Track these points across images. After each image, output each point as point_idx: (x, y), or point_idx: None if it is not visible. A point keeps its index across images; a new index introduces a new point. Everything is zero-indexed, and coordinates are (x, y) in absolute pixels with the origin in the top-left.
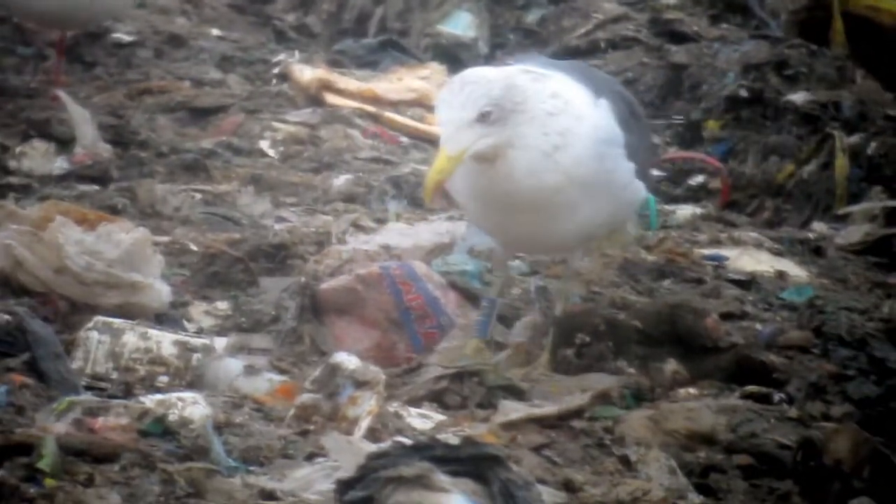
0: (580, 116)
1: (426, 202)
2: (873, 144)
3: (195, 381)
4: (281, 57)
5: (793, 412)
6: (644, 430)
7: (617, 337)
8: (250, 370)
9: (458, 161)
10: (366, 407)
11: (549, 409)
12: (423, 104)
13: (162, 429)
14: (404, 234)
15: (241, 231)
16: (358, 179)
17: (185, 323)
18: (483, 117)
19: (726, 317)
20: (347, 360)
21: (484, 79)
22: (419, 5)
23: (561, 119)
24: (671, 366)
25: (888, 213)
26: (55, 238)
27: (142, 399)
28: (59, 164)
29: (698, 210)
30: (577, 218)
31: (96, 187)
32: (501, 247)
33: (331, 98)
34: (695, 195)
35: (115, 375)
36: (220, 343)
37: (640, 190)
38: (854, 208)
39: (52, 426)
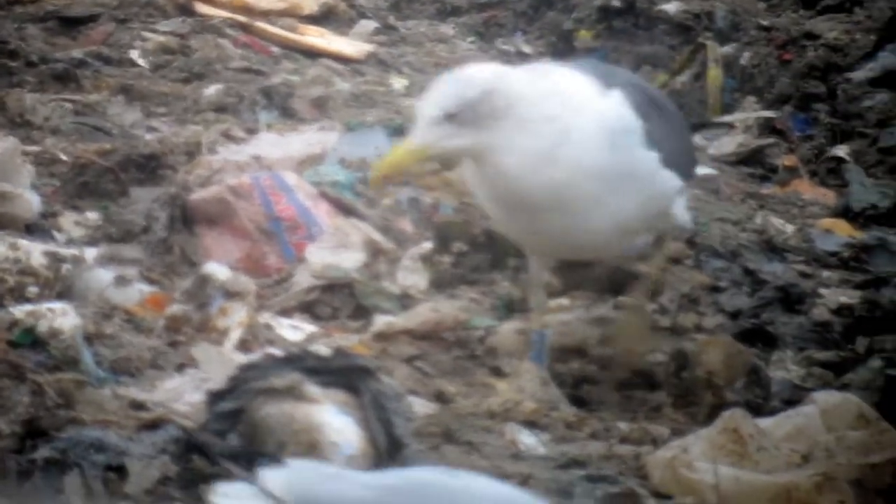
0: (580, 109)
1: (370, 189)
2: (746, 54)
3: (65, 292)
4: None
5: (665, 323)
6: (516, 342)
7: (493, 248)
8: (120, 281)
9: (418, 156)
10: (236, 318)
11: (420, 320)
12: (294, 14)
13: (32, 339)
14: (275, 145)
15: (112, 141)
16: (229, 90)
17: (55, 233)
18: (450, 118)
19: None
20: (218, 271)
21: (466, 78)
22: None
23: (559, 118)
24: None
25: (761, 123)
26: None
27: (11, 310)
28: None
29: None
30: (605, 213)
31: None
32: (538, 256)
33: (201, 7)
34: None
35: None
36: (90, 253)
37: (669, 179)
38: (727, 118)
39: None
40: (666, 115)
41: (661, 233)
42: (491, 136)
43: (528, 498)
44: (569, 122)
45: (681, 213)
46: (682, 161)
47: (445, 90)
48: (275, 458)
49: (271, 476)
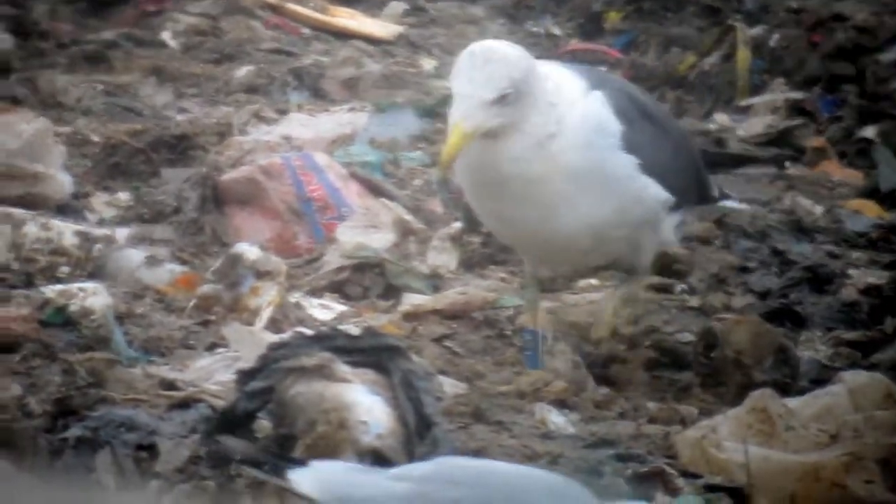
0: (572, 104)
1: (439, 175)
2: (775, 36)
3: (96, 272)
4: None
5: (694, 303)
6: (546, 322)
7: None
8: (151, 261)
9: (472, 138)
10: (267, 297)
11: (451, 300)
12: None
13: (63, 319)
14: (305, 125)
15: (143, 122)
16: (259, 71)
17: (87, 214)
18: (502, 99)
19: None
20: (248, 251)
21: (507, 58)
22: None
23: (558, 107)
24: None
25: (790, 104)
26: None
27: (43, 289)
28: None
29: None
30: (576, 213)
31: None
32: (527, 258)
33: None
34: None
35: (16, 266)
36: (122, 234)
37: (648, 187)
38: (755, 100)
39: None
40: (659, 129)
41: (641, 253)
42: (517, 115)
43: (553, 477)
44: (563, 115)
45: (668, 231)
46: (674, 176)
47: (495, 72)
48: (299, 460)
49: (301, 477)
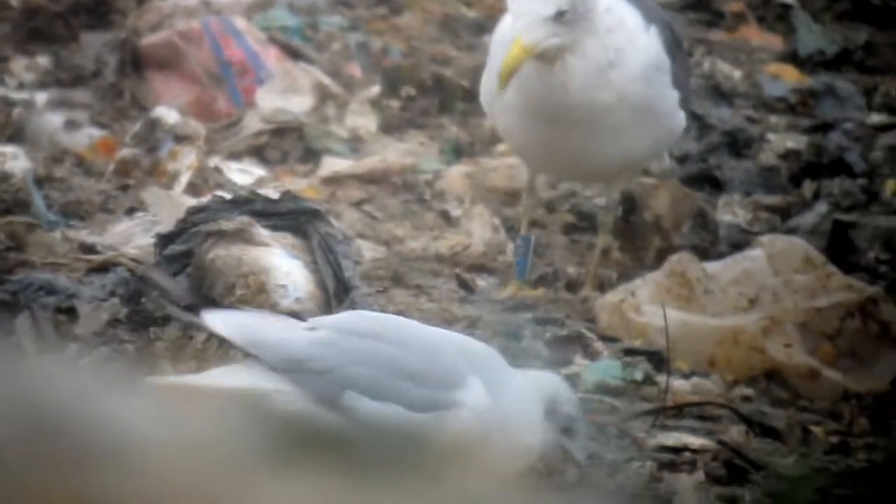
0: (633, 38)
1: (499, 90)
2: None
3: (16, 136)
4: None
5: None
6: (464, 186)
7: (441, 93)
8: (71, 125)
9: (530, 54)
10: (186, 162)
11: (370, 164)
12: None
13: None
14: None
15: None
16: None
17: (6, 78)
18: (560, 16)
19: None
20: (167, 115)
21: None
22: None
23: (617, 35)
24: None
25: None
26: None
27: None
28: None
29: None
30: (622, 143)
31: None
32: (533, 166)
33: None
34: None
35: None
36: (41, 98)
37: (681, 120)
38: None
39: None
40: (683, 57)
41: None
42: (573, 37)
43: (466, 339)
44: (623, 46)
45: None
46: (688, 102)
47: None
48: (217, 304)
49: (214, 317)
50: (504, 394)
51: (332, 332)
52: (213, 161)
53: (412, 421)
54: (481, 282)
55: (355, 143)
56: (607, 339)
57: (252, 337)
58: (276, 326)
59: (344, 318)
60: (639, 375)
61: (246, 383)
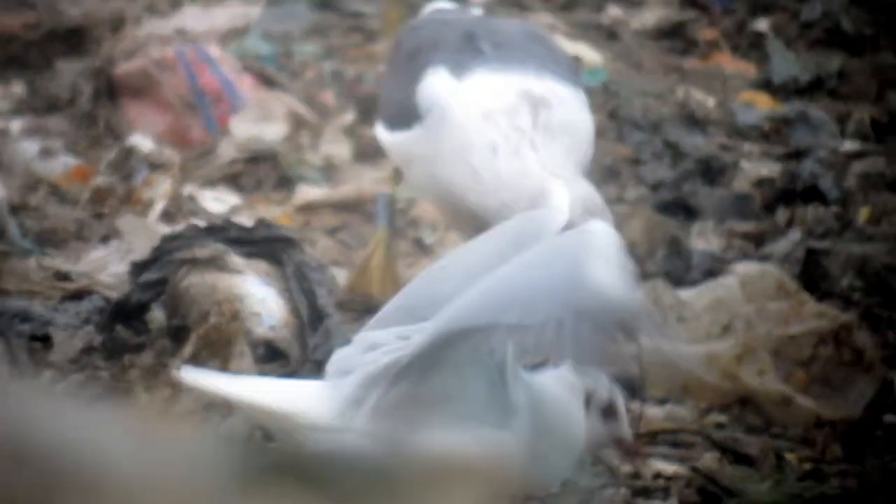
0: None
1: None
2: None
3: None
4: None
5: None
6: (438, 214)
7: None
8: (46, 153)
9: None
10: (160, 189)
11: (344, 192)
12: None
13: None
14: (199, 18)
15: (37, 14)
16: None
17: None
18: None
19: None
20: (142, 143)
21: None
22: None
23: None
24: None
25: None
26: None
27: None
28: None
29: None
30: None
31: None
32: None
33: None
34: None
35: None
36: (16, 126)
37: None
38: None
39: None
40: None
41: None
42: None
43: None
44: None
45: None
46: None
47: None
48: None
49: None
50: (547, 414)
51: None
52: (188, 189)
53: (462, 453)
54: None
55: (329, 171)
56: None
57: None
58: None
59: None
60: None
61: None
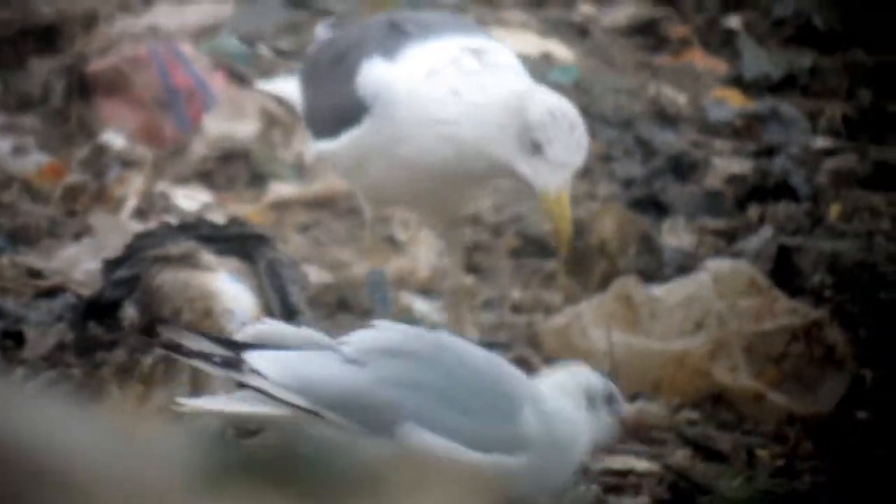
0: None
1: (564, 252)
2: None
3: None
4: None
5: None
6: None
7: None
8: (18, 150)
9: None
10: (133, 187)
11: (316, 189)
12: None
13: None
14: (171, 16)
15: (9, 11)
16: None
17: None
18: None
19: None
20: (114, 140)
21: (578, 118)
22: None
23: None
24: None
25: None
26: None
27: None
28: None
29: None
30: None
31: None
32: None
33: None
34: None
35: None
36: None
37: None
38: None
39: None
40: None
41: None
42: None
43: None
44: None
45: None
46: None
47: (582, 137)
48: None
49: (257, 358)
50: (549, 418)
51: (376, 358)
52: (160, 186)
53: (470, 460)
54: (426, 305)
55: (301, 169)
56: (553, 362)
57: (295, 375)
58: (319, 361)
59: (384, 338)
60: None
61: (282, 410)
